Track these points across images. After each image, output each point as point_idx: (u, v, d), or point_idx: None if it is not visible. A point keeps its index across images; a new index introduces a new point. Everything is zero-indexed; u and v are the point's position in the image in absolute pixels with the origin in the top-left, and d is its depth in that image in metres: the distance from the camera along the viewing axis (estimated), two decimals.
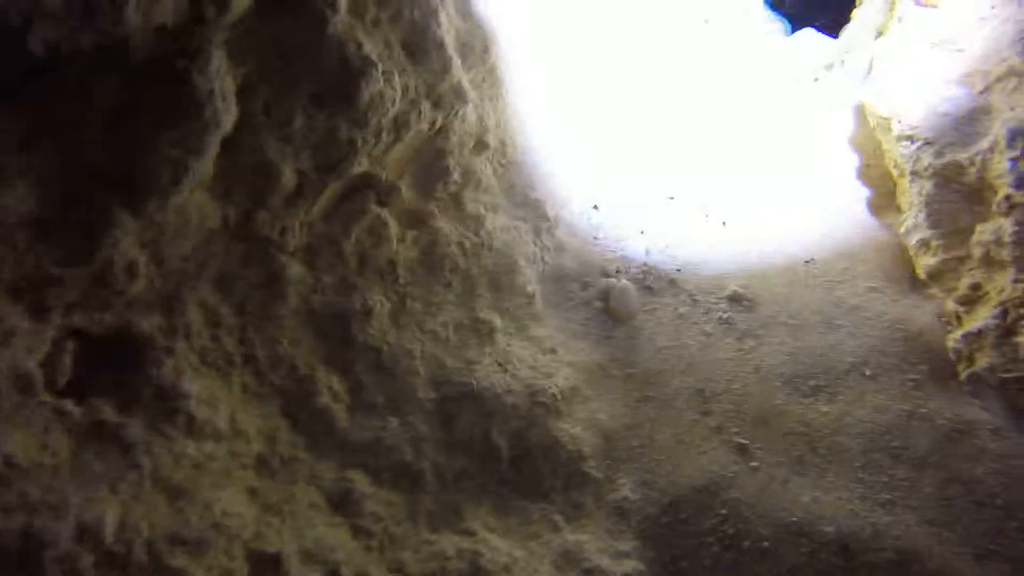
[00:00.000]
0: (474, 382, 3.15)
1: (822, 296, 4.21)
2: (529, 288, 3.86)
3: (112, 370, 2.08)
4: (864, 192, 4.90)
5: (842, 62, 6.47)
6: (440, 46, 2.98)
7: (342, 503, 2.54)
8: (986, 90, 3.39)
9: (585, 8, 5.62)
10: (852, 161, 5.09)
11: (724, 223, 4.81)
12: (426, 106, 2.96)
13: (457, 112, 3.25)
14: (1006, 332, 3.18)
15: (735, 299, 4.28)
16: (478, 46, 3.80)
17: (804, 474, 3.32)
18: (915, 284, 4.15)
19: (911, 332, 3.86)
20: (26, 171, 1.73)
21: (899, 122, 3.76)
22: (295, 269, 2.74)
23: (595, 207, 4.72)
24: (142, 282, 2.21)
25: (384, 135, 2.74)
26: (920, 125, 3.61)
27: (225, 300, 2.56)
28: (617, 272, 4.40)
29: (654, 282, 4.40)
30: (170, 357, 2.26)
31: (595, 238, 4.58)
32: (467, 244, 3.58)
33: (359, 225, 3.00)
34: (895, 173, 4.61)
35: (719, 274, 4.45)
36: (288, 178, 2.52)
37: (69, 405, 1.87)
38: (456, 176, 3.54)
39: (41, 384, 1.80)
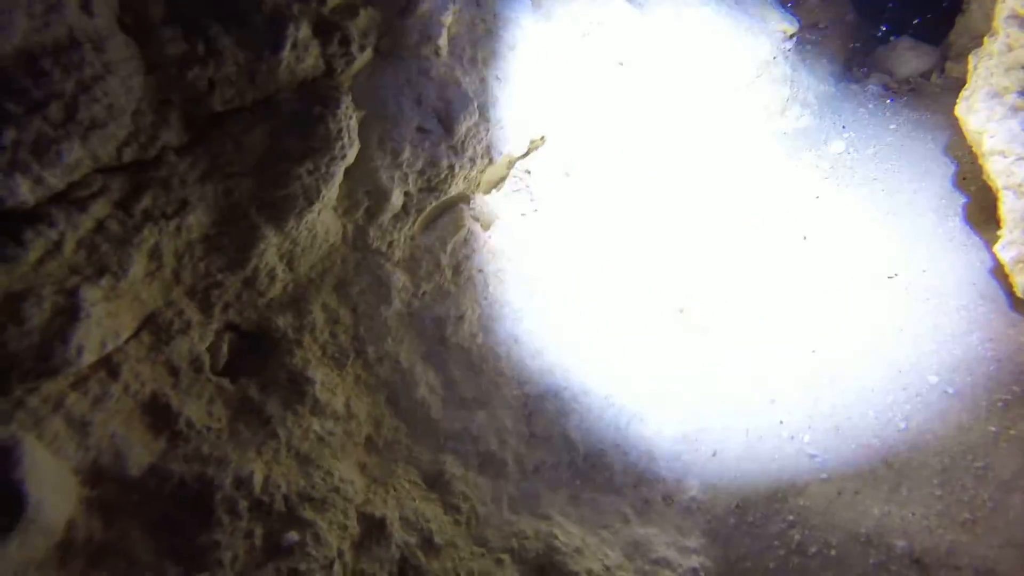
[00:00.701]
0: (554, 381, 3.45)
1: (912, 308, 4.19)
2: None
3: (256, 357, 2.54)
4: (960, 203, 4.81)
5: (941, 71, 6.30)
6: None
7: (436, 482, 2.91)
8: None
9: None
10: (944, 173, 5.00)
11: (805, 237, 4.86)
12: (515, 134, 3.30)
13: (542, 137, 3.57)
14: None
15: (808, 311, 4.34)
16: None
17: (877, 487, 3.38)
18: (1013, 302, 4.06)
19: (1002, 351, 3.79)
20: (202, 198, 2.21)
21: (991, 136, 3.72)
22: (399, 277, 3.15)
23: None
24: (279, 286, 2.69)
25: (479, 160, 3.10)
26: (1013, 140, 3.57)
27: (342, 303, 3.01)
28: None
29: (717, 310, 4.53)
30: (300, 348, 2.71)
31: None
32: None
33: (455, 237, 3.38)
34: (993, 186, 4.50)
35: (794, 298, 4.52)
36: (397, 198, 2.93)
37: (226, 383, 2.34)
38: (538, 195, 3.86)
39: (208, 365, 2.27)
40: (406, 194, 2.98)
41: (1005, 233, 3.98)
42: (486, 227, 3.64)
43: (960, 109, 4.37)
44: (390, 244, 3.10)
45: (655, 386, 3.93)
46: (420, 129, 2.81)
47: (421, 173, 2.91)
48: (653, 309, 4.14)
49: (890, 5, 7.68)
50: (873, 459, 3.50)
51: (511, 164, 3.64)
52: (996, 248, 4.10)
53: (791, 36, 5.44)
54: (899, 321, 4.14)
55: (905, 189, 5.00)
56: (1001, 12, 4.00)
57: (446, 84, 2.80)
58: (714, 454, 3.62)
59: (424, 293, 3.28)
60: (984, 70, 4.02)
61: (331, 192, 2.55)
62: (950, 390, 3.69)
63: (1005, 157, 3.67)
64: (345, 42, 2.41)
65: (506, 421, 3.31)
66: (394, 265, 3.15)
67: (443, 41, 2.79)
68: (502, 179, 3.70)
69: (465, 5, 3.09)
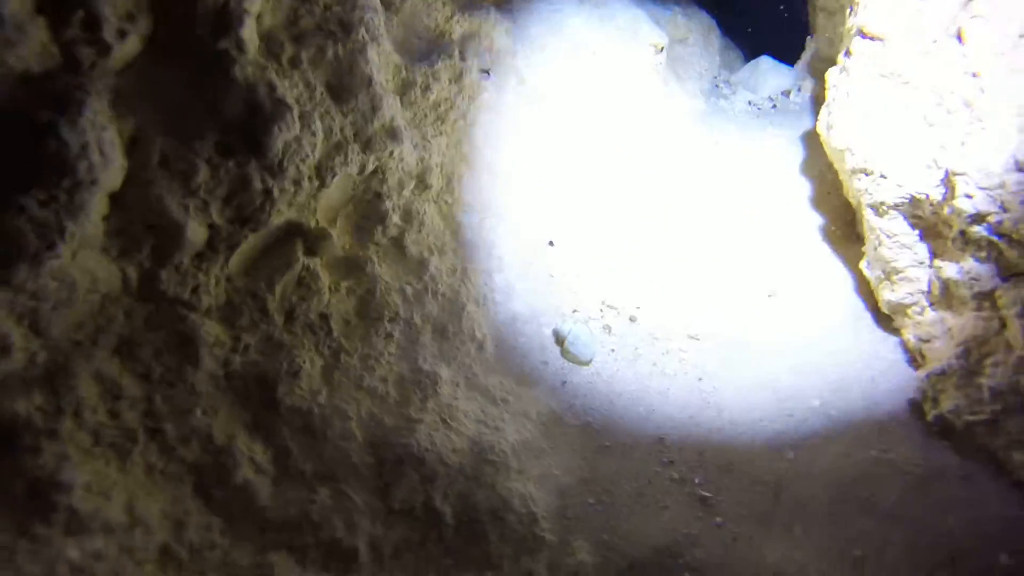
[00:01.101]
0: (415, 442, 2.91)
1: (787, 332, 4.07)
2: (478, 334, 3.65)
3: None
4: (820, 221, 4.83)
5: (798, 89, 6.48)
6: (368, 84, 2.79)
7: None
8: (934, 125, 3.31)
9: None
10: (805, 190, 5.03)
11: (684, 259, 4.68)
12: (354, 149, 2.76)
13: (392, 153, 3.05)
14: (969, 373, 3.05)
15: (694, 337, 4.12)
16: (419, 80, 3.63)
17: (770, 529, 3.13)
18: (879, 319, 4.05)
19: (878, 369, 3.73)
20: None
21: (852, 154, 3.67)
22: (211, 329, 2.49)
23: (551, 243, 4.55)
24: (19, 357, 1.96)
25: (306, 182, 2.53)
26: (873, 158, 3.51)
27: (127, 369, 2.31)
28: (574, 312, 4.22)
29: (612, 320, 4.23)
30: (52, 442, 1.99)
31: (551, 276, 4.40)
32: (409, 291, 3.37)
33: (285, 278, 2.76)
34: (854, 203, 4.54)
35: (675, 311, 4.29)
36: (195, 232, 2.29)
37: None
38: (396, 219, 3.34)
39: None
40: (211, 227, 2.34)
41: (868, 251, 3.96)
42: (332, 261, 3.05)
43: (821, 126, 4.36)
44: (195, 289, 2.44)
45: (537, 430, 3.51)
46: (221, 145, 2.19)
47: (227, 201, 2.29)
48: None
49: (748, 30, 7.96)
50: (765, 496, 3.27)
51: (360, 185, 3.08)
52: (860, 266, 4.08)
53: (661, 50, 5.32)
54: (779, 343, 4.01)
55: (773, 209, 4.97)
56: (851, 30, 4.00)
57: (254, 88, 2.21)
58: (600, 505, 3.24)
59: (246, 347, 2.64)
60: (842, 86, 4.00)
61: (84, 229, 1.87)
62: (833, 413, 3.56)
63: (867, 175, 3.61)
64: (92, 24, 1.77)
65: (356, 497, 2.72)
66: (203, 315, 2.49)
67: (247, 33, 2.20)
68: (350, 200, 3.13)
69: None
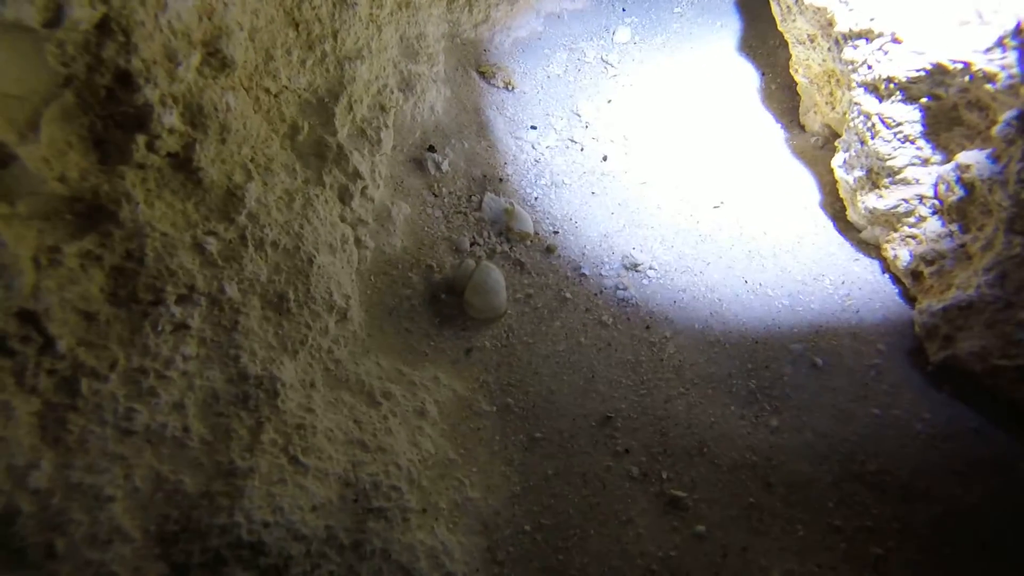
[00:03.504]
0: (241, 518, 1.69)
1: (744, 252, 3.19)
2: (338, 296, 2.38)
3: None
4: (768, 98, 3.92)
5: None
6: None
7: None
8: None
9: None
10: (751, 75, 4.06)
11: (605, 157, 3.59)
12: None
13: None
14: (1007, 305, 2.32)
15: (632, 267, 3.14)
16: None
17: (766, 532, 2.34)
18: (843, 230, 3.28)
19: (859, 299, 2.98)
20: None
21: (849, 9, 2.67)
22: None
23: (431, 148, 3.25)
24: None
25: None
26: (882, 14, 2.53)
27: None
28: (472, 246, 3.04)
29: (525, 253, 3.11)
30: None
31: (435, 195, 3.15)
32: (211, 244, 2.00)
33: None
34: (803, 83, 3.64)
35: (607, 233, 3.26)
36: None
37: None
38: (171, 120, 1.89)
39: None
40: None
41: (848, 145, 3.09)
42: (48, 209, 1.60)
43: None
44: None
45: (440, 432, 2.41)
46: None
47: None
48: None
49: None
50: (753, 484, 2.46)
51: (82, 53, 1.59)
52: (832, 164, 3.24)
53: None
54: (740, 268, 3.13)
55: (706, 87, 3.96)
56: None
57: None
58: (541, 533, 2.27)
59: None
60: None
61: None
62: (818, 361, 2.78)
63: (868, 40, 2.64)
64: None
65: None
66: None
67: None
68: (64, 86, 1.64)
69: None
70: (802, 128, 3.81)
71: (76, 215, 1.71)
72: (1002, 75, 2.19)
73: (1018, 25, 2.09)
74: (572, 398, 2.66)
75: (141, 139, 1.84)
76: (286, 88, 2.57)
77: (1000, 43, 2.19)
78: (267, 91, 2.47)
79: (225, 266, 2.02)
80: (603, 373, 2.75)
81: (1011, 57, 2.16)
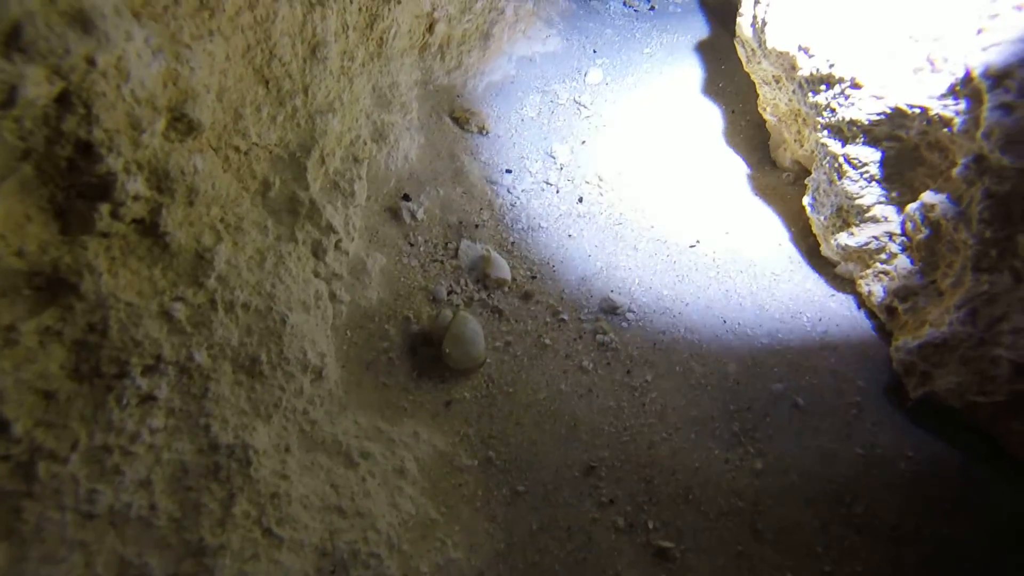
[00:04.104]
0: None
1: (722, 292, 3.20)
2: (312, 355, 2.34)
3: None
4: (733, 152, 3.98)
5: None
6: None
7: None
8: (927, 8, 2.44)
9: None
10: (717, 113, 4.13)
11: (580, 199, 3.61)
12: None
13: (92, 62, 1.56)
14: (981, 342, 2.34)
15: (611, 310, 3.13)
16: None
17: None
18: (817, 266, 3.31)
19: (836, 335, 2.99)
20: None
21: (809, 56, 2.73)
22: None
23: (405, 197, 3.24)
24: None
25: None
26: (841, 60, 2.60)
27: None
28: (449, 295, 3.02)
29: (503, 300, 3.09)
30: None
31: (410, 245, 3.13)
32: (179, 310, 1.95)
33: None
34: (771, 121, 3.72)
35: (585, 276, 3.25)
36: None
37: None
38: (136, 187, 1.86)
39: None
40: None
41: (816, 185, 3.14)
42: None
43: (744, 25, 3.39)
44: None
45: (421, 491, 2.34)
46: None
47: None
48: None
49: None
50: (741, 531, 2.43)
51: (34, 127, 1.56)
52: (804, 203, 3.28)
53: None
54: (719, 308, 3.14)
55: (678, 126, 4.02)
56: None
57: None
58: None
59: None
60: None
61: None
62: (800, 401, 2.77)
63: (829, 86, 2.71)
64: None
65: None
66: None
67: None
68: (24, 158, 1.61)
69: None
70: (773, 164, 3.87)
71: (35, 289, 1.66)
72: (957, 120, 2.25)
73: (967, 74, 2.15)
74: (555, 448, 2.62)
75: (105, 208, 1.81)
76: (256, 145, 2.56)
77: (952, 91, 2.25)
78: (236, 149, 2.45)
79: (194, 332, 1.97)
80: (585, 420, 2.72)
81: (963, 104, 2.22)
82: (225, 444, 1.91)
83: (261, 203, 2.53)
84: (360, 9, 3.07)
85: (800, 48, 2.78)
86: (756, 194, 3.67)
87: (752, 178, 3.77)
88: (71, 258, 1.74)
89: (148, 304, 1.88)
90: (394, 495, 2.23)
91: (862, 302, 3.07)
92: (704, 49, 4.55)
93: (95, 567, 1.53)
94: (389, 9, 3.26)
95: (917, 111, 2.40)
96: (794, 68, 2.85)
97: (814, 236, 3.31)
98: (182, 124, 2.05)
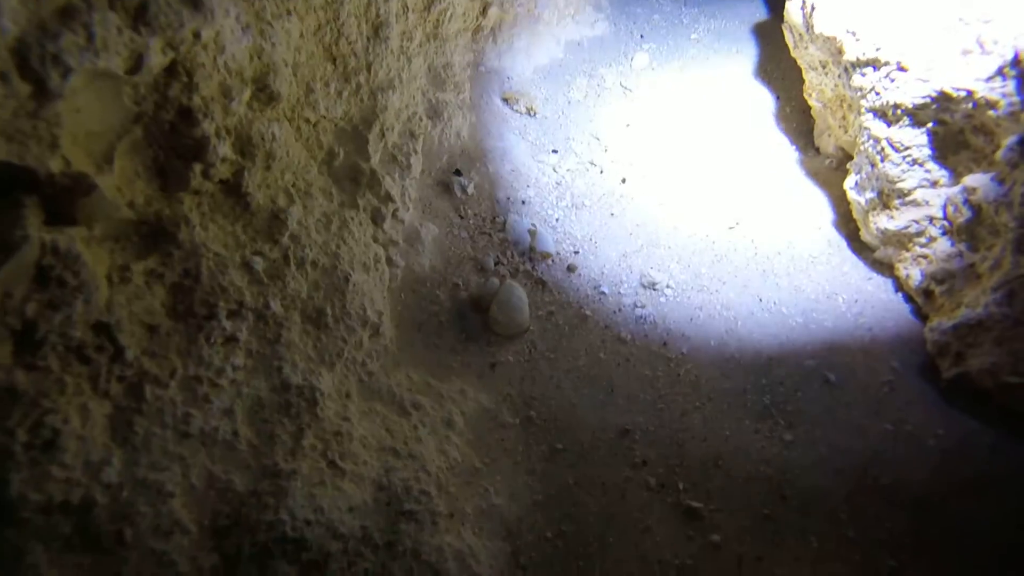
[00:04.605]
0: (287, 515, 1.83)
1: (759, 272, 3.30)
2: (371, 312, 2.54)
3: None
4: (783, 123, 4.04)
5: None
6: None
7: None
8: None
9: None
10: (765, 98, 4.19)
11: (623, 179, 3.73)
12: (109, 20, 1.46)
13: (197, 35, 1.76)
14: (1017, 323, 2.40)
15: (650, 285, 3.25)
16: None
17: (781, 543, 2.42)
18: (857, 249, 3.37)
19: (872, 317, 3.06)
20: None
21: (856, 40, 2.79)
22: None
23: (457, 172, 3.42)
24: None
25: (42, 94, 1.24)
26: (888, 44, 2.66)
27: None
28: (496, 265, 3.19)
29: (546, 272, 3.25)
30: None
31: (461, 217, 3.31)
32: (258, 263, 2.16)
33: (3, 273, 1.49)
34: (816, 107, 3.76)
35: (626, 253, 3.38)
36: None
37: None
38: (224, 150, 2.07)
39: None
40: None
41: (859, 168, 3.20)
42: (110, 231, 1.78)
43: (793, 8, 3.45)
44: None
45: (467, 441, 2.53)
46: None
47: None
48: None
49: None
50: (767, 496, 2.54)
51: (149, 94, 1.78)
52: (845, 186, 3.34)
53: None
54: (755, 287, 3.23)
55: (722, 111, 4.10)
56: None
57: None
58: (563, 540, 2.38)
59: None
60: None
61: None
62: (832, 377, 2.86)
63: (875, 68, 2.76)
64: None
65: None
66: None
67: None
68: (135, 122, 1.82)
69: None
70: (816, 150, 3.92)
71: (141, 237, 1.89)
72: (1003, 102, 2.30)
73: (1016, 56, 2.20)
74: (592, 411, 2.78)
75: (198, 168, 2.02)
76: (324, 117, 2.76)
77: (1000, 72, 2.30)
78: (307, 120, 2.66)
79: (270, 284, 2.19)
80: (622, 387, 2.86)
81: (1011, 86, 2.27)
82: (295, 385, 2.12)
83: (327, 171, 2.73)
84: None
85: (848, 32, 2.84)
86: (798, 179, 3.73)
87: (795, 163, 3.83)
88: (170, 211, 1.96)
89: (232, 255, 2.10)
90: (442, 443, 2.42)
91: (900, 285, 3.12)
92: (751, 35, 4.59)
93: (190, 477, 1.76)
94: None
95: (963, 94, 2.45)
96: (840, 52, 2.91)
97: (854, 221, 3.37)
98: (264, 95, 2.26)
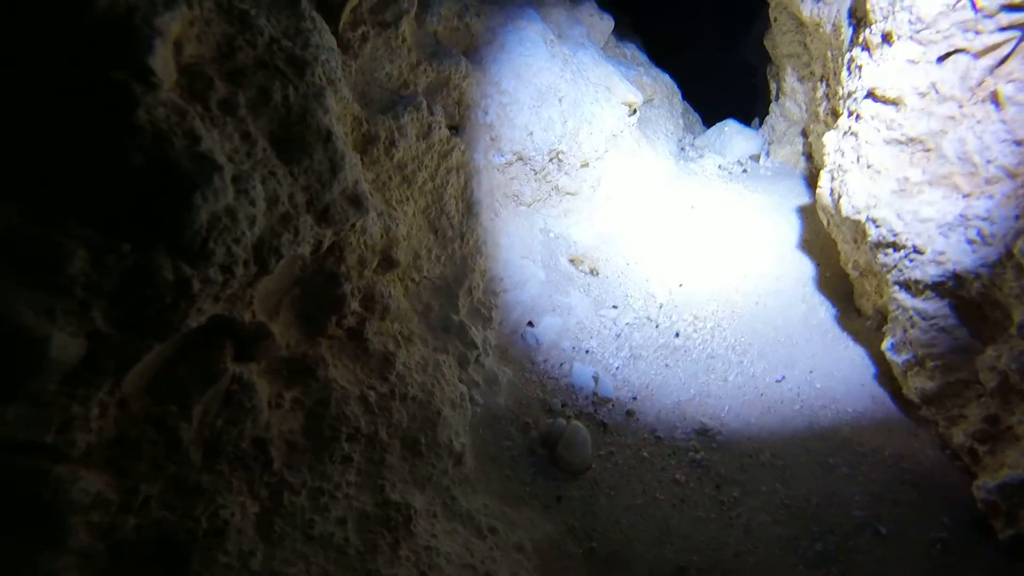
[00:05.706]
0: None
1: (806, 424, 3.55)
2: (456, 444, 2.93)
3: None
4: (823, 293, 4.44)
5: (766, 153, 6.25)
6: (327, 138, 2.14)
7: None
8: (972, 195, 2.94)
9: None
10: (806, 265, 4.65)
11: (677, 333, 4.15)
12: (307, 222, 2.08)
13: (354, 225, 2.39)
14: None
15: (703, 432, 3.54)
16: (383, 135, 3.02)
17: None
18: (901, 406, 3.60)
19: (919, 473, 3.23)
20: None
21: (877, 226, 3.26)
22: (85, 486, 1.69)
23: (530, 324, 3.92)
24: None
25: (240, 269, 1.82)
26: (903, 231, 3.11)
27: None
28: (563, 407, 3.57)
29: (607, 416, 3.60)
30: None
31: (532, 363, 3.76)
32: (372, 396, 2.64)
33: (207, 395, 2.00)
34: (853, 274, 4.17)
35: (680, 401, 3.72)
36: (64, 347, 1.52)
37: None
38: (354, 306, 2.63)
39: None
40: (93, 336, 1.59)
41: (893, 333, 3.53)
42: (273, 365, 2.30)
43: (823, 194, 3.99)
44: (64, 427, 1.65)
45: (534, 566, 2.78)
46: (110, 221, 1.48)
47: (118, 299, 1.56)
48: None
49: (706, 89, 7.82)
50: None
51: (312, 265, 2.38)
52: (883, 348, 3.65)
53: (635, 111, 4.94)
54: (802, 437, 3.48)
55: (768, 278, 4.55)
56: (854, 93, 3.69)
57: (166, 139, 1.52)
58: None
59: (145, 502, 1.84)
60: (849, 153, 3.64)
61: None
62: (882, 530, 3.00)
63: (896, 250, 3.20)
64: None
65: None
66: (74, 465, 1.69)
67: (159, 62, 1.53)
68: (296, 284, 2.41)
69: (218, 14, 1.88)
70: (857, 312, 4.27)
71: (290, 371, 2.41)
72: (1006, 286, 2.66)
73: (1007, 250, 2.60)
74: (649, 547, 2.98)
75: (334, 318, 2.58)
76: (425, 277, 3.36)
77: (1000, 261, 2.69)
78: (413, 280, 3.26)
79: (380, 414, 2.64)
80: (677, 526, 3.07)
81: (1010, 273, 2.64)
82: (394, 501, 2.50)
83: (425, 322, 3.28)
84: None
85: (869, 219, 3.32)
86: (840, 338, 4.06)
87: (837, 323, 4.18)
88: (312, 352, 2.49)
89: (353, 389, 2.58)
90: (514, 566, 2.68)
91: (945, 442, 3.31)
92: (792, 210, 5.16)
93: (311, 575, 2.11)
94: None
95: (973, 275, 2.83)
96: (865, 235, 3.38)
97: (896, 379, 3.63)
98: (386, 263, 2.87)
